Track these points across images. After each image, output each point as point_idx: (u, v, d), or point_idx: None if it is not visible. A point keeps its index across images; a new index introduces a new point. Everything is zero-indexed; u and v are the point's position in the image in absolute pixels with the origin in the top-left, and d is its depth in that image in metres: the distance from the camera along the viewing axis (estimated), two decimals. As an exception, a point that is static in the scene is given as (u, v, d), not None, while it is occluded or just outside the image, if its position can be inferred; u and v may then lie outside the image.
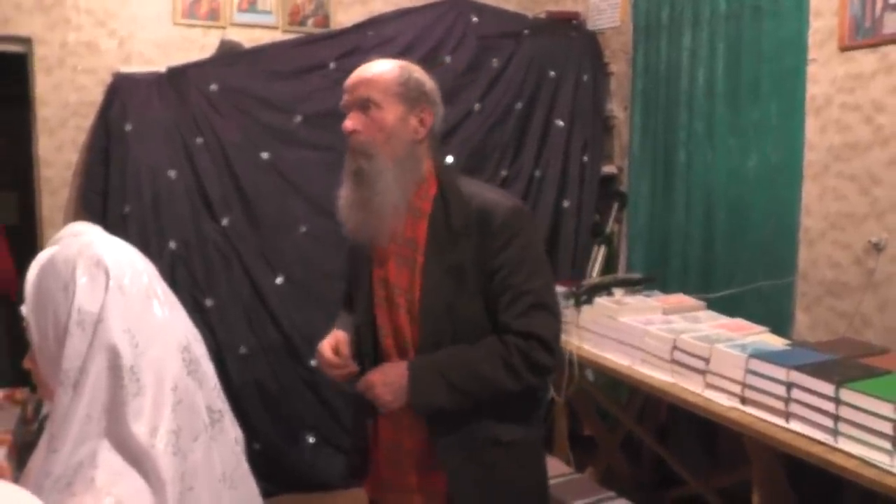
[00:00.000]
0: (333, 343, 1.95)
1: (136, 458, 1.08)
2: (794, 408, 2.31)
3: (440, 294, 1.83)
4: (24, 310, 1.22)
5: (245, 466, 1.29)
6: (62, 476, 1.06)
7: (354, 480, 2.15)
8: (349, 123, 1.85)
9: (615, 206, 4.18)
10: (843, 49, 3.06)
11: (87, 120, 3.62)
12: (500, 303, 1.81)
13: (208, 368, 1.24)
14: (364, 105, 1.84)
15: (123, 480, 1.06)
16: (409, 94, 1.84)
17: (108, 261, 1.14)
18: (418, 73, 1.89)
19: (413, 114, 1.85)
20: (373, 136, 1.83)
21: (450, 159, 3.94)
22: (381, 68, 1.87)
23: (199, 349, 1.22)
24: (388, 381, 1.81)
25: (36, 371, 1.22)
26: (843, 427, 2.17)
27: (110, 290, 1.11)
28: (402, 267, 1.88)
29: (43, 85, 3.60)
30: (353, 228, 1.88)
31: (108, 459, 1.08)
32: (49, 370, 1.15)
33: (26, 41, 3.58)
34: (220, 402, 1.25)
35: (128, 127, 3.45)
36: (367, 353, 1.95)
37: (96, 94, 3.60)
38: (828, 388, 2.20)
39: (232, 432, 1.27)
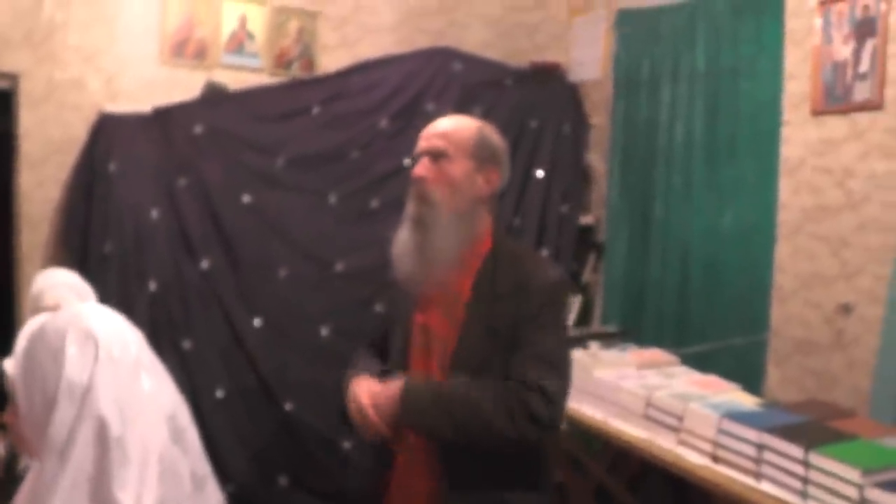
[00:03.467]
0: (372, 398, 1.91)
1: (120, 527, 1.10)
2: (765, 468, 2.35)
3: (474, 351, 1.86)
4: (8, 368, 1.23)
5: (225, 530, 1.31)
6: (45, 543, 1.08)
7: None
8: (418, 169, 1.91)
9: (592, 256, 4.24)
10: (816, 113, 3.15)
11: (70, 156, 3.61)
12: (514, 356, 1.83)
13: (192, 435, 1.26)
14: (436, 155, 1.90)
15: (107, 551, 1.08)
16: (481, 153, 1.91)
17: (97, 332, 1.16)
18: (493, 135, 1.97)
19: (481, 172, 1.91)
20: (438, 186, 1.89)
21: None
22: (459, 124, 1.95)
23: (184, 417, 1.25)
24: (382, 399, 1.84)
25: (16, 427, 1.23)
26: (811, 490, 2.20)
27: (100, 361, 1.14)
28: (444, 317, 1.92)
29: (27, 120, 3.61)
30: (403, 272, 1.93)
31: (92, 528, 1.09)
32: (35, 436, 1.17)
33: (13, 77, 3.59)
34: (204, 467, 1.27)
35: (112, 166, 3.46)
36: None
37: (81, 132, 3.60)
38: (797, 452, 2.24)
39: (214, 498, 1.29)
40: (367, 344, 2.18)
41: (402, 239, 1.94)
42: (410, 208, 1.93)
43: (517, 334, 1.84)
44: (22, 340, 1.20)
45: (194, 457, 1.24)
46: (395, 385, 1.84)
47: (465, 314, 1.87)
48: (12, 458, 2.19)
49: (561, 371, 1.85)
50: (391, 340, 2.06)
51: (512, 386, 1.79)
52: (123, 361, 1.16)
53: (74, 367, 1.13)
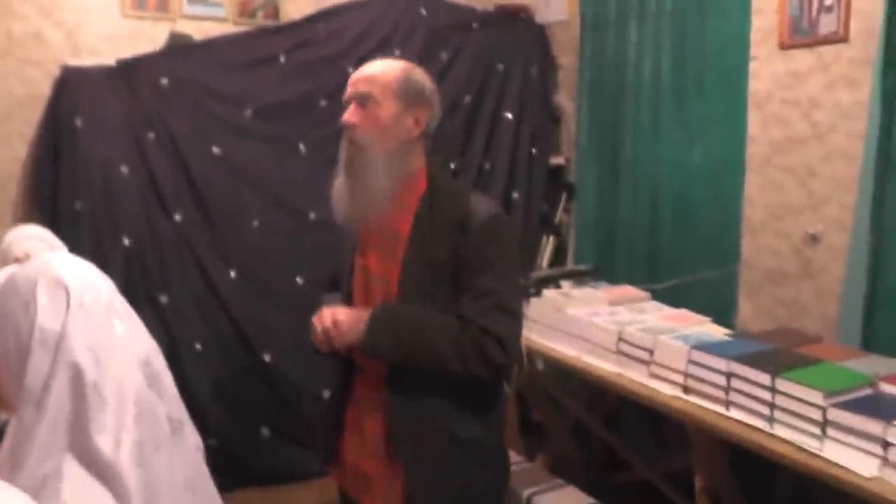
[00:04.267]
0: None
1: (100, 470, 1.12)
2: (734, 396, 2.41)
3: (417, 287, 1.91)
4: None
5: (205, 472, 1.33)
6: (27, 489, 1.10)
7: (317, 470, 2.22)
8: (346, 116, 1.94)
9: (564, 196, 4.26)
10: (783, 47, 3.16)
11: (35, 113, 3.56)
12: (464, 299, 1.89)
13: (167, 379, 1.28)
14: (363, 100, 1.92)
15: (89, 492, 1.10)
16: (408, 94, 1.93)
17: (67, 280, 1.17)
18: (419, 75, 1.99)
19: (409, 113, 1.93)
20: (367, 130, 1.91)
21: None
22: (384, 67, 1.96)
23: (159, 361, 1.26)
24: (347, 322, 1.89)
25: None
26: (778, 414, 2.27)
27: (71, 308, 1.15)
28: (383, 257, 1.98)
29: (-13, 77, 3.56)
30: (341, 215, 1.97)
31: (74, 472, 1.11)
32: (11, 387, 1.18)
33: (-30, 32, 3.52)
34: (180, 412, 1.29)
35: (78, 122, 3.42)
36: None
37: (44, 87, 3.55)
38: (764, 378, 2.30)
39: (192, 439, 1.31)
40: (327, 288, 2.23)
41: (337, 184, 1.97)
42: (342, 154, 1.96)
43: (461, 273, 1.89)
44: (-8, 293, 1.20)
45: (170, 401, 1.26)
46: (363, 313, 1.89)
47: (405, 252, 1.92)
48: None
49: (513, 314, 1.92)
50: (339, 285, 2.12)
51: (469, 330, 1.85)
52: (95, 308, 1.17)
53: (46, 315, 1.14)
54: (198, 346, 3.56)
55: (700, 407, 2.49)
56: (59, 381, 1.12)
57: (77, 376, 1.12)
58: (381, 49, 3.85)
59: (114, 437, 1.13)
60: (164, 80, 3.57)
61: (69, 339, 1.13)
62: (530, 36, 4.30)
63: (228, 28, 3.93)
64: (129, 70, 3.55)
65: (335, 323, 1.89)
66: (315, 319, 1.94)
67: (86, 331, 1.15)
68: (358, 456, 2.04)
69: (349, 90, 1.96)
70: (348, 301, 2.05)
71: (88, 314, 1.16)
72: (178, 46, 3.70)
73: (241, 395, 3.65)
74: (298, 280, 3.72)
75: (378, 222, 1.95)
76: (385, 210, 1.93)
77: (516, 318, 1.94)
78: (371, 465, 2.00)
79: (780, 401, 2.27)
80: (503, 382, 2.10)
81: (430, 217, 1.92)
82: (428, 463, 1.93)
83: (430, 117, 1.98)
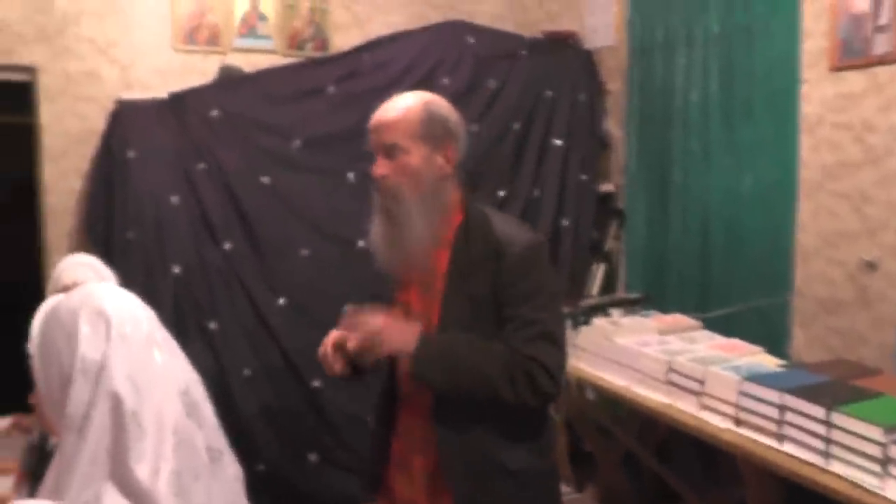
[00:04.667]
0: (340, 338, 1.99)
1: (139, 499, 1.12)
2: (787, 430, 2.34)
3: (458, 322, 1.87)
4: (31, 349, 1.26)
5: (245, 502, 1.33)
6: (68, 518, 1.11)
7: (367, 497, 2.19)
8: (377, 169, 1.89)
9: (614, 223, 4.22)
10: (834, 69, 3.10)
11: (90, 147, 3.67)
12: (508, 330, 1.85)
13: (207, 409, 1.28)
14: (390, 150, 1.87)
15: (128, 522, 1.10)
16: (433, 134, 1.88)
17: (109, 311, 1.19)
18: (442, 108, 1.92)
19: (438, 152, 1.89)
20: (400, 180, 1.87)
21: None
22: (403, 109, 1.88)
23: (198, 391, 1.27)
24: (400, 328, 1.84)
25: (40, 408, 1.27)
26: (834, 450, 2.20)
27: (112, 339, 1.16)
28: (423, 294, 1.94)
29: (46, 113, 3.66)
30: (383, 261, 1.94)
31: (113, 500, 1.12)
32: (54, 414, 1.19)
33: (31, 70, 3.63)
34: (220, 442, 1.30)
35: (130, 154, 3.49)
36: (384, 371, 2.03)
37: (98, 122, 3.65)
38: (819, 412, 2.23)
39: (231, 469, 1.31)
40: None
41: (376, 231, 1.93)
42: (378, 202, 1.92)
43: (501, 304, 1.85)
44: (37, 321, 1.23)
45: (209, 431, 1.26)
46: (415, 327, 1.85)
47: (445, 287, 1.89)
48: (43, 439, 2.24)
49: (558, 344, 1.87)
50: None
51: (518, 358, 1.81)
52: (135, 338, 1.19)
53: (88, 345, 1.15)
54: (246, 373, 3.59)
55: (752, 440, 2.43)
56: (99, 411, 1.13)
57: (117, 406, 1.13)
58: (430, 79, 3.88)
59: (152, 466, 1.13)
60: (215, 112, 3.64)
61: (110, 369, 1.14)
62: (578, 62, 4.29)
63: (278, 60, 4.00)
64: (180, 103, 3.63)
65: (382, 327, 1.83)
66: (322, 348, 1.94)
67: (126, 361, 1.16)
68: (407, 491, 2.01)
69: (372, 138, 1.91)
70: None
71: (129, 344, 1.17)
72: (228, 79, 3.77)
73: (289, 421, 3.66)
74: (347, 308, 3.72)
75: (420, 266, 1.91)
76: (427, 253, 1.90)
77: (561, 348, 1.89)
78: (421, 499, 1.98)
79: (836, 436, 2.19)
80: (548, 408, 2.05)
81: (466, 250, 1.89)
82: (479, 495, 1.90)
83: (458, 149, 1.93)
